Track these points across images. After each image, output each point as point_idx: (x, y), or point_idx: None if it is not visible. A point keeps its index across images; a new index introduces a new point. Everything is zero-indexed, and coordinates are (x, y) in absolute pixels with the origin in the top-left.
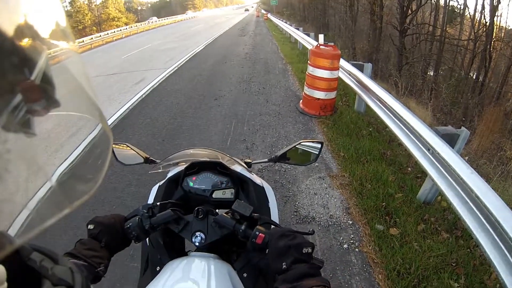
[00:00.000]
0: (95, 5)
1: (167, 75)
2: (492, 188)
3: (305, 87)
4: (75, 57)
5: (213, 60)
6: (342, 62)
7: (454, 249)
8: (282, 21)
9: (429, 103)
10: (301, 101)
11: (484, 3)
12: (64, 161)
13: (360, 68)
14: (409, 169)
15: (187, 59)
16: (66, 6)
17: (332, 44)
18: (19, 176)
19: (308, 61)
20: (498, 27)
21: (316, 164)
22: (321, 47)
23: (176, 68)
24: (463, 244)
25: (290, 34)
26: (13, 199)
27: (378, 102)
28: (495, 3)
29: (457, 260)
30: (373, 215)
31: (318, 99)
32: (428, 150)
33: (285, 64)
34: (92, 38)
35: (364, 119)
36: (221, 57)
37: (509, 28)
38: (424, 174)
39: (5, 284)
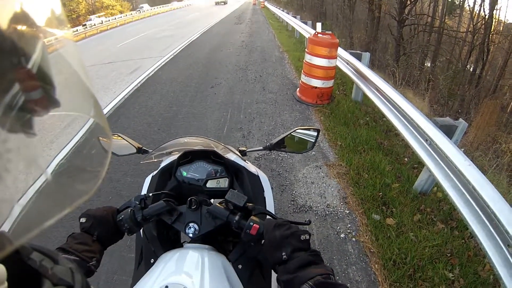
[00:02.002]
0: None
1: (163, 64)
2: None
3: (302, 75)
4: (72, 46)
5: (209, 48)
6: (340, 51)
7: (449, 239)
8: (279, 9)
9: (426, 94)
10: (298, 89)
11: None
12: (62, 159)
13: (358, 57)
14: (406, 159)
15: (183, 47)
16: None
17: (330, 32)
18: (19, 176)
19: (306, 49)
20: (497, 20)
21: (313, 152)
22: (319, 35)
23: (172, 56)
24: (458, 235)
25: (287, 22)
26: (12, 198)
27: (375, 92)
28: None
29: (452, 250)
30: (370, 205)
31: (315, 87)
32: (426, 141)
33: (282, 53)
34: (86, 27)
35: (361, 108)
36: (217, 45)
37: (508, 22)
38: (420, 164)
39: (5, 284)
